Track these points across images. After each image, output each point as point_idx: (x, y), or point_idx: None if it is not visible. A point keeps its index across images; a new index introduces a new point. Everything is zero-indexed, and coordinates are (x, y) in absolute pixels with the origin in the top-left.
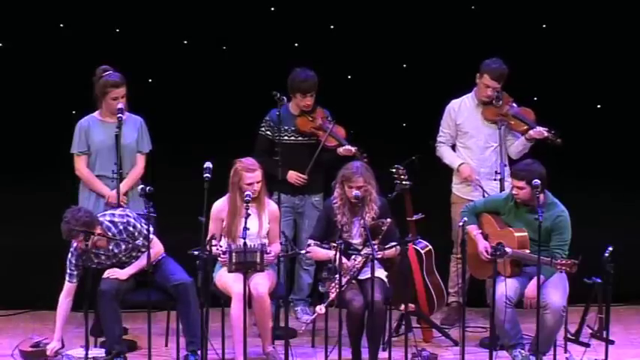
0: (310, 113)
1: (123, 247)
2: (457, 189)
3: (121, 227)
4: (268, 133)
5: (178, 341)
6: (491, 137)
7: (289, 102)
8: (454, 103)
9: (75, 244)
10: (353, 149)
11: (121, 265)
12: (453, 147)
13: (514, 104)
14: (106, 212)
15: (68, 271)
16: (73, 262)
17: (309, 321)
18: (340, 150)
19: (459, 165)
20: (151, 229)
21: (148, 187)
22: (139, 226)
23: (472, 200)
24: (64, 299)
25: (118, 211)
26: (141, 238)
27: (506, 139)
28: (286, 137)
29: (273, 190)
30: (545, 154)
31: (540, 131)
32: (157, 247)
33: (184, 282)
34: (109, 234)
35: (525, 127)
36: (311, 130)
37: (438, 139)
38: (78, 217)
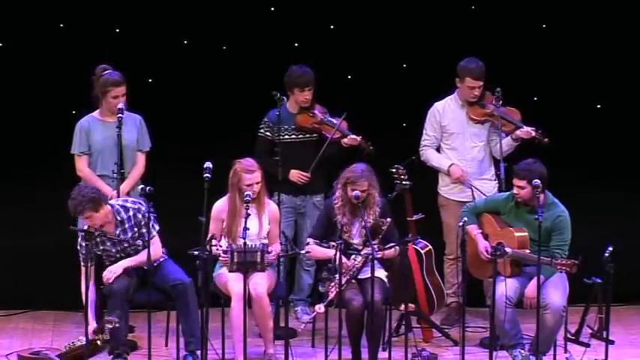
0: (309, 109)
1: (130, 234)
2: (445, 191)
3: (132, 213)
4: (268, 133)
5: (178, 341)
6: (476, 137)
7: (287, 101)
8: (438, 105)
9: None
10: (358, 138)
11: (123, 258)
12: (438, 150)
13: (499, 104)
14: (120, 198)
15: (81, 256)
16: (83, 244)
17: (308, 320)
18: (345, 140)
19: (449, 166)
20: (157, 227)
21: (148, 187)
22: (151, 219)
23: (461, 202)
24: (85, 285)
25: (131, 198)
26: (144, 231)
27: (490, 139)
28: (287, 136)
29: (274, 190)
30: (545, 154)
31: (528, 131)
32: (157, 248)
33: (183, 282)
34: (118, 217)
35: (512, 127)
36: (312, 126)
37: (423, 142)
38: (85, 193)
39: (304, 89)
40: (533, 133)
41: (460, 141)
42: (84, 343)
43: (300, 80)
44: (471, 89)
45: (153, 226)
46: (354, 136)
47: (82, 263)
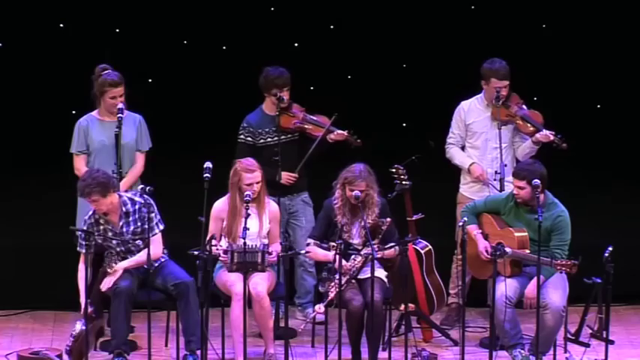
0: (288, 110)
1: (132, 227)
2: (464, 189)
3: (138, 207)
4: (249, 139)
5: (178, 341)
6: (499, 137)
7: (262, 103)
8: (464, 104)
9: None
10: (345, 133)
11: (124, 255)
12: (462, 148)
13: (524, 106)
14: (130, 191)
15: (79, 240)
16: (84, 235)
17: (308, 320)
18: (332, 136)
19: (470, 165)
20: (161, 226)
21: (148, 187)
22: (153, 215)
23: None
24: (80, 268)
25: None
26: (147, 227)
27: (514, 140)
28: (269, 138)
29: (271, 194)
30: (546, 155)
31: (546, 135)
32: (158, 247)
33: (185, 281)
34: (124, 208)
35: (532, 130)
36: (295, 126)
37: (448, 140)
38: (95, 176)
39: (282, 90)
40: (552, 137)
41: (482, 141)
42: (83, 327)
43: (279, 81)
44: (496, 89)
45: (157, 224)
46: (340, 131)
47: (78, 247)
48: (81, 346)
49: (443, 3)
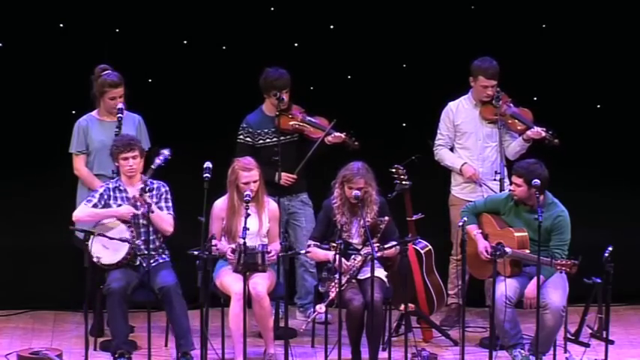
0: (287, 111)
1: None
2: (456, 190)
3: (156, 185)
4: (248, 139)
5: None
6: (489, 137)
7: (262, 103)
8: (451, 105)
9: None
10: (342, 135)
11: (129, 222)
12: (451, 149)
13: (512, 104)
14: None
15: (89, 197)
16: (97, 196)
17: (309, 320)
18: (329, 138)
19: (462, 165)
20: (173, 214)
21: (147, 187)
22: (170, 199)
23: (471, 201)
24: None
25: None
26: (162, 205)
27: (503, 139)
28: (268, 139)
29: (270, 194)
30: (545, 154)
31: (538, 131)
32: (171, 223)
33: (167, 285)
34: (148, 181)
35: (523, 127)
36: (294, 128)
37: (436, 142)
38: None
39: (282, 91)
40: (543, 134)
41: (473, 141)
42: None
43: (278, 82)
44: (484, 88)
45: (171, 207)
46: (338, 134)
47: (85, 202)
48: None
49: (443, 3)
